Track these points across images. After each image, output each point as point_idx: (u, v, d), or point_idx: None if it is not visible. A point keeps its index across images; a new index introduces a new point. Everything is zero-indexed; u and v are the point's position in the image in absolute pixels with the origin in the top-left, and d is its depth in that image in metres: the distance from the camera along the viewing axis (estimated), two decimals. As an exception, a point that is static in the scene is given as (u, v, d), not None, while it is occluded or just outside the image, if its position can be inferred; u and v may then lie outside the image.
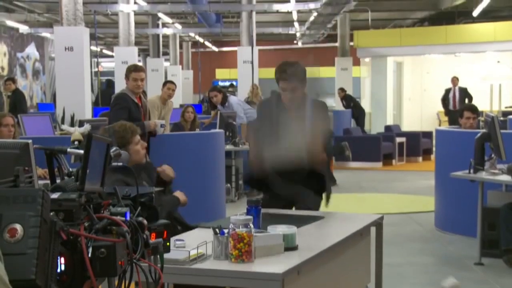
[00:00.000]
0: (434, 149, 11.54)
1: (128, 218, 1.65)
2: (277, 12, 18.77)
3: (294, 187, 4.48)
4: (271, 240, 2.98)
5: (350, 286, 3.65)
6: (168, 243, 1.92)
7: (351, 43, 20.81)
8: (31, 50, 22.90)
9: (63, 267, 1.48)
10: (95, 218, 1.58)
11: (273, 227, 3.11)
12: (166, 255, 2.78)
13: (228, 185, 9.10)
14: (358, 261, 3.73)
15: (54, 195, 1.54)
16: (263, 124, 4.59)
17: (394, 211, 8.34)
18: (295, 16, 20.77)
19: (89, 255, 1.52)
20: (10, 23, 20.36)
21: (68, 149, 1.78)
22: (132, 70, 6.72)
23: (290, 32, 22.59)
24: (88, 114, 10.06)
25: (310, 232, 3.43)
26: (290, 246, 3.02)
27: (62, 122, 10.09)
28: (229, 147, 9.16)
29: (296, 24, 22.19)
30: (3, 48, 20.77)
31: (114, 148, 1.93)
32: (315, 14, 17.92)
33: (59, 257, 1.46)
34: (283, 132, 4.41)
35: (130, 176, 3.76)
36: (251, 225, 2.84)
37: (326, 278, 3.30)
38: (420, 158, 14.99)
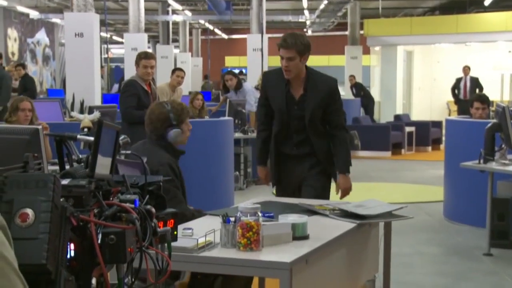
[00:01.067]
0: (443, 138, 11.49)
1: (137, 205, 1.65)
2: (288, -1, 18.73)
3: (297, 170, 4.46)
4: (279, 229, 2.97)
5: (358, 275, 3.65)
6: (175, 232, 1.91)
7: (361, 32, 20.72)
8: (41, 36, 22.93)
9: (72, 253, 1.47)
10: (104, 204, 1.58)
11: (284, 216, 3.11)
12: (174, 243, 2.79)
13: (237, 173, 9.11)
14: (366, 251, 3.72)
15: (64, 181, 1.53)
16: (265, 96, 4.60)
17: (403, 201, 8.32)
18: (305, 4, 20.69)
19: (99, 241, 1.51)
20: (20, 8, 20.38)
21: (78, 136, 1.78)
22: (143, 57, 6.70)
23: (300, 20, 22.53)
24: (97, 100, 10.07)
25: (321, 221, 3.42)
26: (301, 235, 3.01)
27: (72, 108, 10.10)
28: (238, 135, 9.16)
29: (306, 12, 22.11)
30: (13, 33, 20.80)
31: (122, 136, 1.92)
32: (325, 2, 17.86)
33: (69, 243, 1.45)
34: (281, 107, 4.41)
35: (175, 158, 3.81)
36: (259, 214, 2.83)
37: (334, 267, 3.30)
38: (430, 148, 14.94)
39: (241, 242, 2.80)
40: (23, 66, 13.73)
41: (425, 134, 14.91)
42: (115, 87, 17.39)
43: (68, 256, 1.45)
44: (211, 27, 26.96)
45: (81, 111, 9.85)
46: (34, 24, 22.20)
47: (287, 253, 2.80)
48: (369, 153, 13.58)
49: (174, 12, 22.97)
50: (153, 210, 1.71)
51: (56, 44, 23.94)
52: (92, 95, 9.95)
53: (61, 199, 1.45)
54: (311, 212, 3.53)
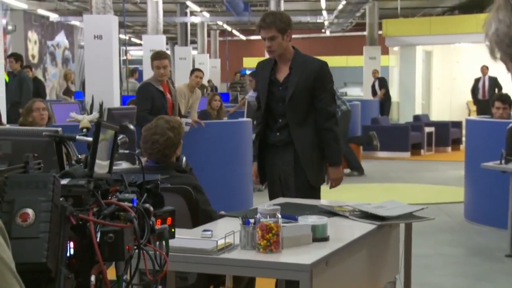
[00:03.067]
0: (463, 139, 11.41)
1: (135, 204, 1.69)
2: (306, 0, 18.69)
3: (277, 161, 4.33)
4: (299, 230, 2.96)
5: (378, 277, 3.62)
6: (173, 229, 1.96)
7: (380, 32, 20.63)
8: (61, 38, 23.08)
9: (72, 251, 1.51)
10: (103, 204, 1.61)
11: (304, 218, 3.09)
12: (194, 245, 2.79)
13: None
14: (387, 252, 3.69)
15: (64, 181, 1.57)
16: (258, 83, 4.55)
17: (423, 202, 8.25)
18: (323, 4, 20.64)
19: (98, 240, 1.55)
20: (41, 11, 20.53)
21: (77, 137, 1.82)
22: (154, 58, 6.67)
23: (318, 20, 22.48)
24: (116, 102, 10.11)
25: (340, 223, 3.40)
26: (321, 236, 2.99)
27: (91, 110, 10.15)
28: (256, 136, 9.13)
29: (324, 12, 22.06)
30: (33, 36, 20.95)
31: (121, 136, 1.96)
32: (343, 2, 17.81)
33: (68, 242, 1.49)
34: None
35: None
36: (279, 215, 2.82)
37: (354, 269, 3.28)
38: (449, 148, 14.83)
39: (261, 244, 2.78)
40: (30, 68, 13.78)
41: (445, 135, 14.81)
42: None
43: (68, 254, 1.49)
44: (229, 28, 26.99)
45: (101, 113, 9.90)
46: (53, 26, 22.35)
47: (307, 255, 2.78)
48: (388, 153, 13.50)
49: (192, 13, 23.02)
50: (151, 208, 1.75)
51: (75, 46, 24.09)
52: (111, 97, 9.98)
53: (61, 199, 1.49)
54: (331, 213, 3.51)
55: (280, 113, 4.31)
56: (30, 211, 1.40)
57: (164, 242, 1.85)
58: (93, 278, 1.53)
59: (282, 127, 4.31)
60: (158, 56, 6.69)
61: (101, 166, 1.67)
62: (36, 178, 1.45)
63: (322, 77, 4.27)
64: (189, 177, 3.65)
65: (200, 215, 3.46)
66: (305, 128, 4.28)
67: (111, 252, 1.55)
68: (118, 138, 1.83)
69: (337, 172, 4.36)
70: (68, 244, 1.48)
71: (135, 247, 1.66)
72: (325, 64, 4.33)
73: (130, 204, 1.66)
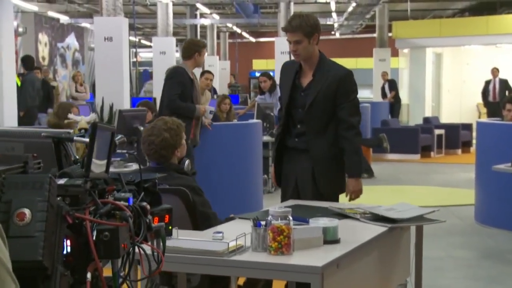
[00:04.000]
0: (474, 141, 11.37)
1: (131, 203, 1.73)
2: (315, 2, 18.68)
3: (294, 166, 4.25)
4: (310, 232, 2.95)
5: (389, 279, 3.61)
6: (170, 227, 2.00)
7: (390, 34, 20.59)
8: (71, 40, 23.15)
9: (69, 249, 1.56)
10: (99, 203, 1.66)
11: (315, 220, 3.08)
12: (205, 247, 2.79)
13: (265, 176, 9.10)
14: (398, 255, 3.68)
15: (61, 181, 1.62)
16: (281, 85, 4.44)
17: (433, 204, 8.24)
18: (333, 6, 20.61)
19: (94, 238, 1.59)
20: (51, 13, 20.62)
21: (75, 138, 1.86)
22: (203, 46, 6.63)
23: (328, 22, 22.44)
24: (126, 104, 10.13)
25: (351, 225, 3.40)
26: (332, 239, 2.99)
27: (101, 112, 10.18)
28: (266, 138, 9.15)
29: (334, 14, 22.03)
30: (44, 38, 21.03)
31: (119, 136, 1.99)
32: (353, 4, 17.77)
33: (65, 240, 1.54)
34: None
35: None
36: (290, 218, 2.81)
37: (365, 271, 3.27)
38: (459, 151, 14.79)
39: (272, 246, 2.78)
40: (40, 69, 13.78)
41: (455, 137, 14.77)
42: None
43: (65, 252, 1.54)
44: (238, 30, 27.00)
45: (111, 115, 9.92)
46: (64, 28, 22.43)
47: (318, 257, 2.78)
48: (398, 156, 13.48)
49: (202, 15, 23.05)
50: (148, 206, 1.80)
51: (85, 48, 24.16)
52: (121, 98, 10.01)
53: (58, 198, 1.54)
54: (341, 215, 3.51)
55: (299, 119, 4.21)
56: (26, 211, 1.45)
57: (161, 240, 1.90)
58: (89, 275, 1.58)
59: (301, 134, 4.21)
60: (206, 48, 6.51)
61: (98, 166, 1.71)
62: (32, 178, 1.51)
63: (345, 86, 4.13)
64: (188, 178, 3.62)
65: (199, 218, 3.45)
66: (323, 138, 4.16)
67: (106, 250, 1.60)
68: (117, 138, 1.89)
69: (356, 184, 4.19)
70: (65, 242, 1.54)
71: (131, 244, 1.71)
72: (349, 73, 4.18)
73: (126, 203, 1.70)
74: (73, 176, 1.67)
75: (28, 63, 12.29)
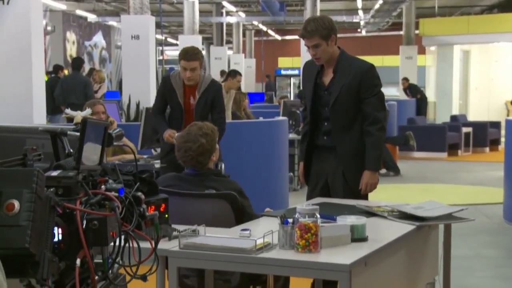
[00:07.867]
0: (502, 139, 11.24)
1: (122, 193, 1.83)
2: (342, -1, 18.62)
3: (323, 163, 4.24)
4: (338, 230, 2.94)
5: (417, 278, 3.59)
6: (166, 215, 2.12)
7: (417, 31, 20.45)
8: (98, 38, 23.34)
9: (60, 237, 1.68)
10: (90, 193, 1.76)
11: (343, 218, 3.07)
12: (233, 244, 2.80)
13: (291, 173, 9.08)
14: (426, 253, 3.65)
15: (55, 173, 1.74)
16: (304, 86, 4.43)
17: (460, 203, 8.16)
18: (359, 4, 20.54)
19: (84, 226, 1.70)
20: (79, 12, 20.80)
21: (69, 132, 1.94)
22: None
23: (355, 20, 22.37)
24: (153, 102, 10.17)
25: (379, 223, 3.38)
26: (359, 237, 2.97)
27: (128, 110, 10.24)
28: (292, 135, 9.13)
29: (360, 12, 21.95)
30: (72, 36, 21.22)
31: (118, 129, 2.12)
32: (380, 2, 17.70)
33: (57, 228, 1.66)
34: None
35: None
36: (317, 215, 2.81)
37: (393, 270, 3.25)
38: (487, 149, 14.64)
39: (300, 244, 2.78)
40: (62, 68, 13.77)
41: (483, 135, 14.62)
42: None
43: (56, 239, 1.67)
44: (264, 28, 27.01)
45: (137, 112, 9.98)
46: (91, 27, 22.61)
47: (346, 255, 2.77)
48: (425, 154, 13.38)
49: (228, 13, 23.09)
50: (142, 196, 1.90)
51: (112, 46, 24.34)
52: (148, 96, 10.07)
53: (52, 189, 1.67)
54: (369, 213, 3.49)
55: (325, 117, 4.21)
56: (15, 202, 1.56)
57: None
58: (78, 261, 1.69)
59: (328, 132, 4.21)
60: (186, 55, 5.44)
61: (91, 158, 1.82)
62: (22, 172, 1.63)
63: (368, 79, 4.11)
64: (233, 182, 3.63)
65: (245, 220, 3.45)
66: (349, 134, 4.15)
67: (95, 237, 1.71)
68: (115, 131, 2.00)
69: (372, 176, 4.16)
70: (57, 230, 1.66)
71: (123, 232, 1.81)
72: (371, 66, 4.16)
73: (116, 194, 1.81)
74: (67, 168, 1.77)
75: (75, 63, 12.31)
